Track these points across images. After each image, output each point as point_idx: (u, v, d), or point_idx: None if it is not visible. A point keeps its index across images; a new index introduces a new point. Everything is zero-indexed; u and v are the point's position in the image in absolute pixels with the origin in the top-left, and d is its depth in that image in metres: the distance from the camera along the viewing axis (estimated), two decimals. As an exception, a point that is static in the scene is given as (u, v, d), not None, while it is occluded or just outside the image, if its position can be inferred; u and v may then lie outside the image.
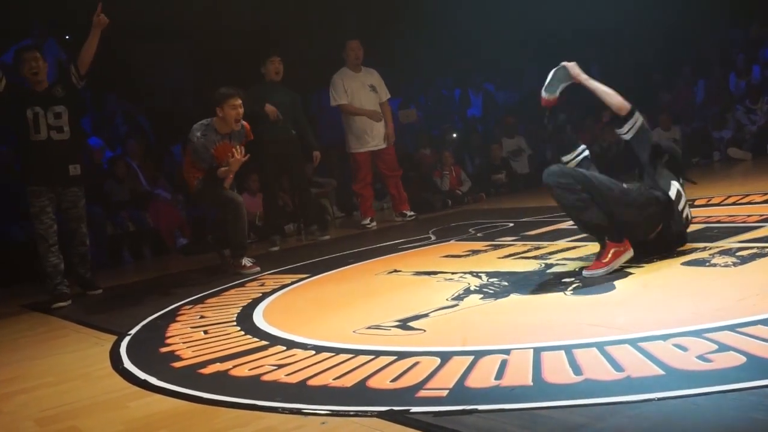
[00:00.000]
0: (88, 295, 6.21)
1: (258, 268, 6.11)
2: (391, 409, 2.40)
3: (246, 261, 6.21)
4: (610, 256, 3.93)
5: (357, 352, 3.12)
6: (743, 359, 2.35)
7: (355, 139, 8.36)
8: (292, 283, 5.28)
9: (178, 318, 4.60)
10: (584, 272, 3.95)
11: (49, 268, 5.87)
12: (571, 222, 5.79)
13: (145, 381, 3.26)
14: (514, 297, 3.75)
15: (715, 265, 3.78)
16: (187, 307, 4.94)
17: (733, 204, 5.94)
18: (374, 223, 8.32)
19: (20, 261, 7.90)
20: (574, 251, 4.74)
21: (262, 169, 7.85)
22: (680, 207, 4.21)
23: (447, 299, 3.89)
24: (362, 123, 8.26)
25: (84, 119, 10.51)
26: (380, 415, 2.38)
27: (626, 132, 4.42)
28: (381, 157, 8.44)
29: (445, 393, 2.48)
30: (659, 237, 4.13)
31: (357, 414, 2.44)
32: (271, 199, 8.04)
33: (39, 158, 5.83)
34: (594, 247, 4.67)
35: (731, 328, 2.66)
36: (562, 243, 5.15)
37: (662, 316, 3.01)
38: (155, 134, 10.91)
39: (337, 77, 8.33)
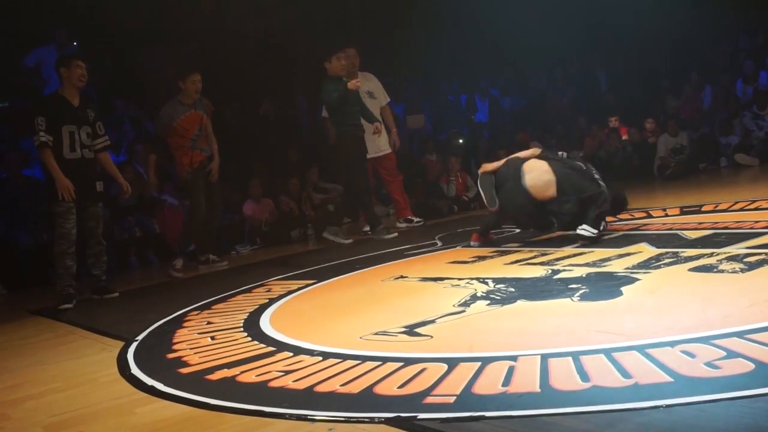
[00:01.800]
0: (104, 299, 6.21)
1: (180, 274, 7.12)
2: (399, 416, 2.40)
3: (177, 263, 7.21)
4: None
5: (364, 359, 3.11)
6: (752, 366, 2.35)
7: None
8: (299, 289, 5.28)
9: (185, 324, 4.61)
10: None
11: (62, 269, 6.01)
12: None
13: (152, 387, 3.26)
14: (520, 303, 3.74)
15: (722, 271, 3.78)
16: (194, 312, 4.94)
17: (741, 210, 5.92)
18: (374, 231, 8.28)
19: (27, 266, 7.92)
20: (580, 257, 4.74)
21: (348, 165, 7.70)
22: None
23: (454, 305, 3.89)
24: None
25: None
26: (387, 421, 2.38)
27: None
28: (381, 163, 8.39)
29: (452, 399, 2.47)
30: None
31: (364, 420, 2.43)
32: (364, 197, 7.90)
33: (72, 176, 5.95)
34: (601, 253, 4.67)
35: (739, 334, 2.66)
36: (568, 249, 5.14)
37: (670, 323, 3.00)
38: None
39: None
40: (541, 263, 4.74)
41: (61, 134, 5.99)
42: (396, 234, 7.69)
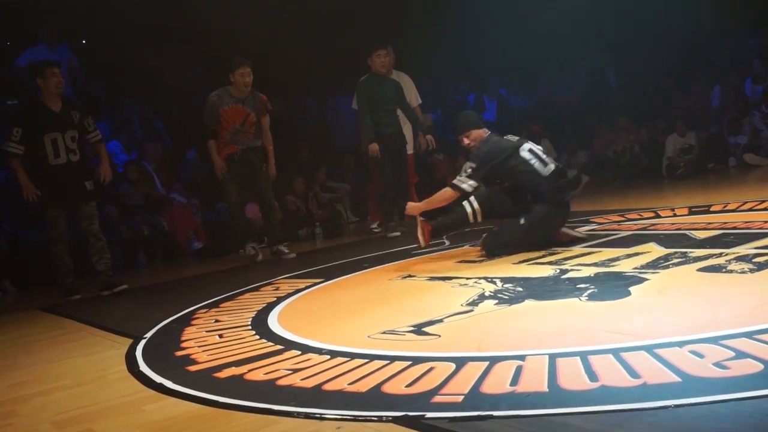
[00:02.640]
0: (114, 293, 6.33)
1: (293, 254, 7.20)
2: (406, 415, 2.40)
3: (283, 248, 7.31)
4: None
5: (372, 357, 3.11)
6: (761, 366, 2.34)
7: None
8: (307, 287, 5.29)
9: (194, 322, 4.62)
10: None
11: (62, 268, 6.37)
12: (588, 227, 5.81)
13: (160, 384, 3.27)
14: (528, 303, 3.74)
15: (731, 271, 3.77)
16: (203, 310, 4.95)
17: (750, 210, 5.90)
18: (382, 228, 8.28)
19: (34, 264, 7.95)
20: (589, 257, 4.73)
21: (378, 162, 7.81)
22: None
23: (462, 305, 3.88)
24: None
25: (101, 123, 10.62)
26: (395, 420, 2.38)
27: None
28: None
29: (460, 399, 2.47)
30: None
31: (372, 419, 2.44)
32: (389, 190, 7.99)
33: (59, 181, 6.16)
34: (609, 253, 4.66)
35: (748, 335, 2.65)
36: (576, 248, 5.13)
37: (678, 323, 2.99)
38: (171, 139, 10.96)
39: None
40: (549, 263, 4.73)
41: (43, 142, 6.13)
42: (398, 233, 7.67)
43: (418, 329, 3.51)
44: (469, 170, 5.43)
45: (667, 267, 4.07)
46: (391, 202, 7.98)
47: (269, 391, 2.91)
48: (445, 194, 5.58)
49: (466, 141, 5.76)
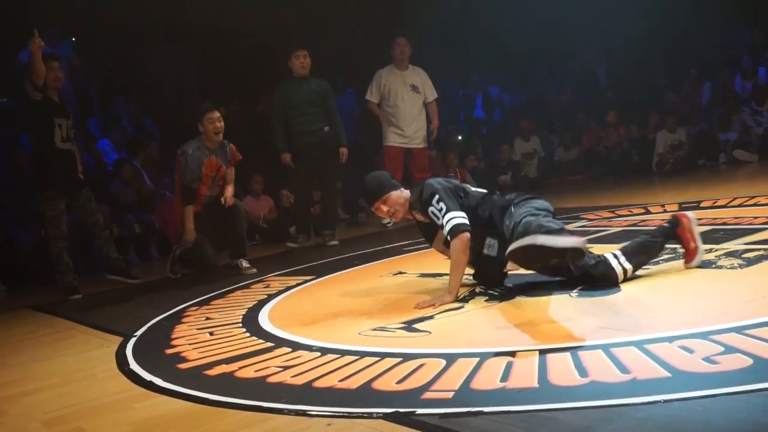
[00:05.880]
0: (128, 284, 6.64)
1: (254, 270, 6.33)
2: (397, 411, 2.40)
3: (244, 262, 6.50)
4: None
5: (362, 354, 3.12)
6: (750, 361, 2.35)
7: (390, 133, 8.31)
8: (298, 284, 5.29)
9: (184, 319, 4.61)
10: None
11: (62, 266, 6.35)
12: (579, 223, 5.81)
13: (150, 382, 3.26)
14: (519, 299, 3.75)
15: (721, 267, 3.78)
16: (193, 308, 4.94)
17: (740, 206, 5.92)
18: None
19: (27, 264, 7.93)
20: (579, 253, 4.72)
21: (294, 167, 7.63)
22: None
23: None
24: (399, 119, 8.19)
25: (92, 120, 10.60)
26: (386, 416, 2.38)
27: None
28: (414, 156, 8.44)
29: (450, 395, 2.47)
30: None
31: (362, 416, 2.43)
32: (301, 197, 7.93)
33: (61, 165, 6.29)
34: (599, 249, 4.65)
35: (738, 330, 2.66)
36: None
37: (668, 318, 3.00)
38: (162, 136, 10.93)
39: (379, 73, 8.29)
40: (540, 259, 4.72)
41: (53, 124, 6.23)
42: (337, 242, 7.53)
43: (409, 326, 3.52)
44: (441, 206, 3.97)
45: (657, 263, 4.08)
46: (301, 214, 7.96)
47: (260, 388, 2.91)
48: (460, 246, 3.92)
49: (384, 208, 4.21)
